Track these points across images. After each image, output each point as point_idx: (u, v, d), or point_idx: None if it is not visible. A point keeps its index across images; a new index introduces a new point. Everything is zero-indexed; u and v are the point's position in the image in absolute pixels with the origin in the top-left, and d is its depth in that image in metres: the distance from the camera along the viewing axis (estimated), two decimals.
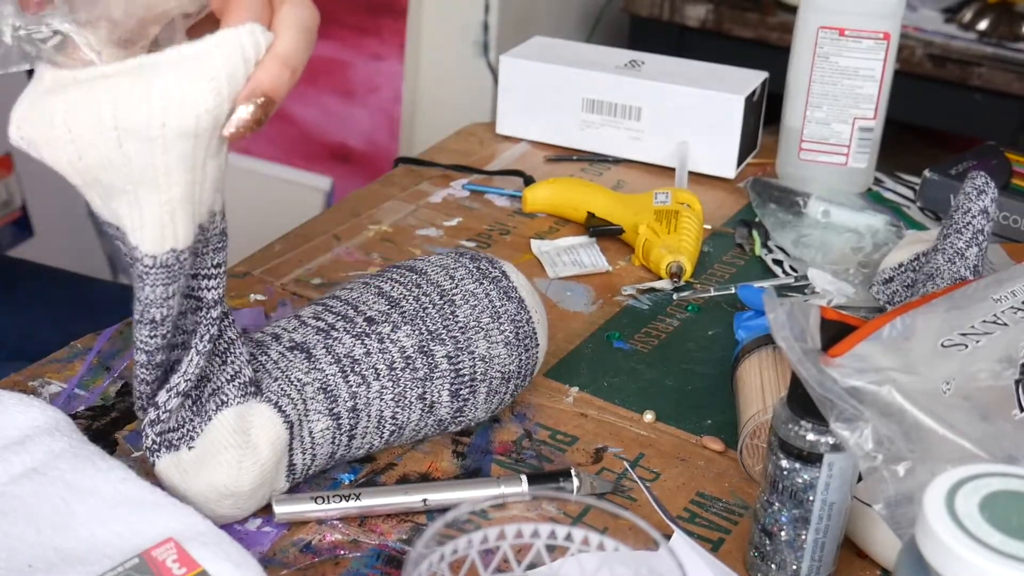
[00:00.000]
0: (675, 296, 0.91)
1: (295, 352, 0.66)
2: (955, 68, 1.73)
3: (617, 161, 1.14)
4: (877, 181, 1.11)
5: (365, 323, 0.68)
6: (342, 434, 0.66)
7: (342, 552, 0.62)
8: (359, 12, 1.88)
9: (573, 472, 0.68)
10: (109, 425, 0.71)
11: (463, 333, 0.69)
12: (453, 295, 0.70)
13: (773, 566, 0.61)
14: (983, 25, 1.77)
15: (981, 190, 0.82)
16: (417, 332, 0.68)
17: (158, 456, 0.62)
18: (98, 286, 1.10)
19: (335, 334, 0.67)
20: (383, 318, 0.68)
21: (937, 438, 0.53)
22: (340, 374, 0.66)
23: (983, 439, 0.53)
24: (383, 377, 0.67)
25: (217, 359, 0.63)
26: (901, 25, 1.03)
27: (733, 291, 0.89)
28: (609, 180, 1.10)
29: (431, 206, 1.03)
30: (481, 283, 0.71)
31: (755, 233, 1.00)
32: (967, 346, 0.59)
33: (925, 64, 1.74)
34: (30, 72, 0.56)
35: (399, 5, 1.86)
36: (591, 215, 0.99)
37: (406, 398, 0.67)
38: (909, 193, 1.10)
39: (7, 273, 1.06)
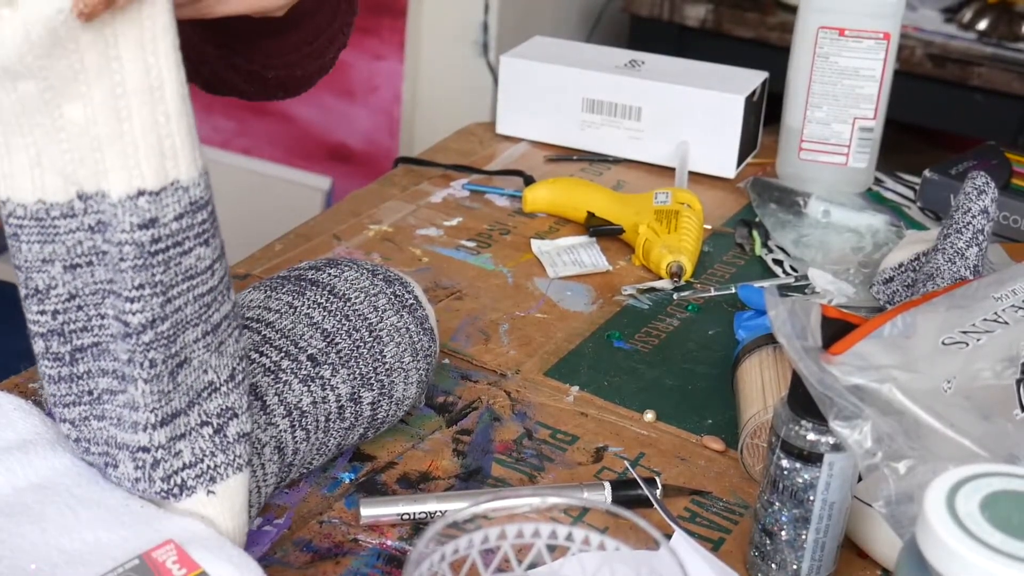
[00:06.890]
0: (675, 296, 0.90)
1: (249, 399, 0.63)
2: (955, 68, 1.73)
3: (617, 161, 1.14)
4: (877, 181, 1.11)
5: (309, 363, 0.66)
6: (277, 482, 0.65)
7: (342, 551, 0.62)
8: (359, 12, 1.87)
9: (658, 481, 0.68)
10: None
11: (388, 376, 0.69)
12: (380, 331, 0.70)
13: (773, 566, 0.61)
14: (983, 25, 1.77)
15: (981, 190, 0.82)
16: (352, 377, 0.68)
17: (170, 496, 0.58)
18: None
19: (283, 377, 0.65)
20: (323, 357, 0.67)
21: (938, 437, 0.53)
22: (290, 429, 0.65)
23: (984, 438, 0.53)
24: (319, 430, 0.66)
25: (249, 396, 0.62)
26: (901, 25, 1.03)
27: (733, 291, 0.89)
28: (609, 180, 1.10)
29: (431, 206, 1.03)
30: (401, 315, 0.71)
31: (755, 233, 1.00)
32: (968, 344, 0.59)
33: (925, 64, 1.74)
34: None
35: (399, 5, 1.86)
36: (591, 215, 0.99)
37: (327, 447, 0.67)
38: (909, 193, 1.10)
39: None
